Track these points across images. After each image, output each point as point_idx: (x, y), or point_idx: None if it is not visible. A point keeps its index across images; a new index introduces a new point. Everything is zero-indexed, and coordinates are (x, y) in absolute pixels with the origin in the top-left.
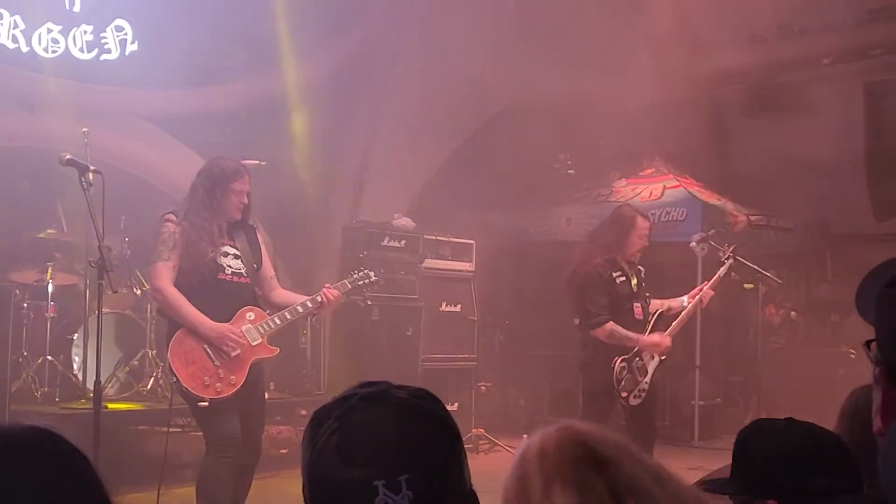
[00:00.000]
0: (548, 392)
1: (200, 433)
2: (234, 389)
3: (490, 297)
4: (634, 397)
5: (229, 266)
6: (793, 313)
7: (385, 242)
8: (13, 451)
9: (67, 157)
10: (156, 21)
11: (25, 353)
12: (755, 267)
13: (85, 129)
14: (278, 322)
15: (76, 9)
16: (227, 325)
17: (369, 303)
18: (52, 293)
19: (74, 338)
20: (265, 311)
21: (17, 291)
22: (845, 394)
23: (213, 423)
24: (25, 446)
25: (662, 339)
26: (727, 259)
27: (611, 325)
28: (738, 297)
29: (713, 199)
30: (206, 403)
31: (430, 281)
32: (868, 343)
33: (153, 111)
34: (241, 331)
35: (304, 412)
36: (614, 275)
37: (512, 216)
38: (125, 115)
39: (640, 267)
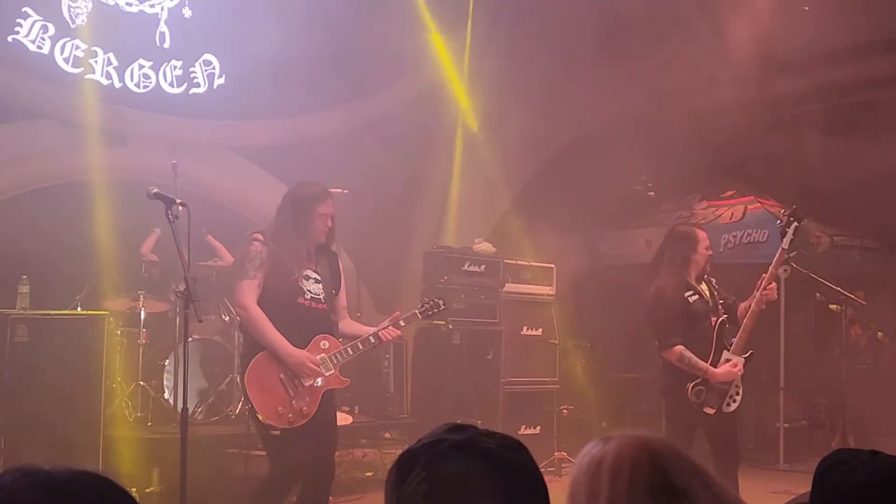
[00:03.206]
0: (630, 415)
1: None
2: (306, 419)
3: (571, 320)
4: (727, 405)
5: (310, 291)
6: (879, 334)
7: (466, 267)
8: (67, 496)
9: (154, 190)
10: (242, 56)
11: (119, 379)
12: (838, 288)
13: (174, 162)
14: (351, 353)
15: (166, 45)
16: (306, 352)
17: (451, 327)
18: (144, 320)
19: (166, 364)
20: (339, 339)
21: (111, 319)
22: None
23: (282, 452)
24: (78, 492)
25: (732, 368)
26: (790, 224)
27: (680, 348)
28: (824, 319)
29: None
30: (278, 432)
31: (511, 305)
32: None
33: (240, 142)
34: (317, 360)
35: (388, 435)
36: (686, 295)
37: (592, 239)
38: (213, 146)
39: (711, 279)
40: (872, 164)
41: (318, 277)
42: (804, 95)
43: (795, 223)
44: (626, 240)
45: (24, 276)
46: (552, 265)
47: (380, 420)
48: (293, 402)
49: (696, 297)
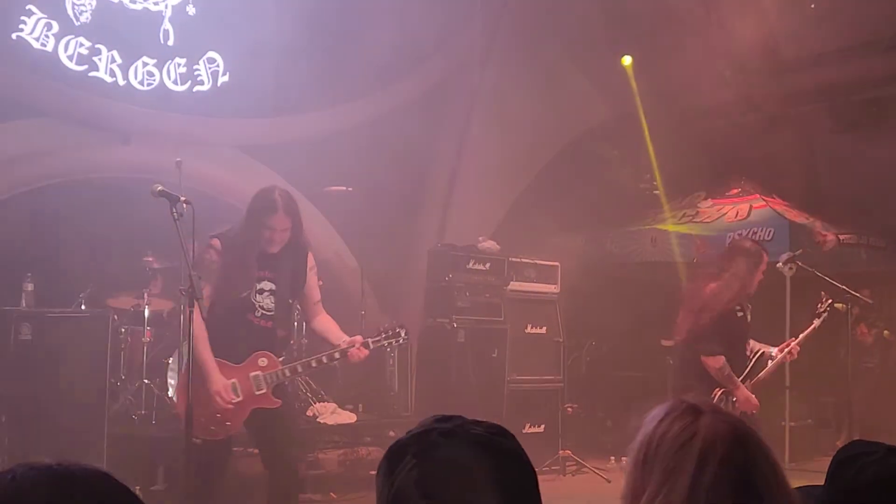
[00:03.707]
0: (635, 414)
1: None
2: (227, 434)
3: (576, 318)
4: None
5: (261, 307)
6: (885, 332)
7: (470, 265)
8: (74, 491)
9: (159, 188)
10: (246, 53)
11: (123, 377)
12: (844, 287)
13: (178, 160)
14: (288, 374)
15: (170, 42)
16: (223, 383)
17: (455, 325)
18: (148, 318)
19: (170, 362)
20: (280, 356)
21: (115, 317)
22: None
23: (199, 460)
24: (85, 488)
25: (752, 397)
26: (824, 311)
27: (723, 359)
28: (829, 317)
29: (801, 219)
30: (199, 441)
31: (516, 303)
32: None
33: (244, 140)
34: (228, 396)
35: (392, 433)
36: (736, 309)
37: (596, 237)
38: (217, 144)
39: (749, 304)
40: (879, 161)
41: (274, 288)
42: (810, 93)
43: (827, 314)
44: (631, 238)
45: (29, 274)
46: (557, 263)
47: (384, 418)
48: (217, 414)
49: (742, 314)
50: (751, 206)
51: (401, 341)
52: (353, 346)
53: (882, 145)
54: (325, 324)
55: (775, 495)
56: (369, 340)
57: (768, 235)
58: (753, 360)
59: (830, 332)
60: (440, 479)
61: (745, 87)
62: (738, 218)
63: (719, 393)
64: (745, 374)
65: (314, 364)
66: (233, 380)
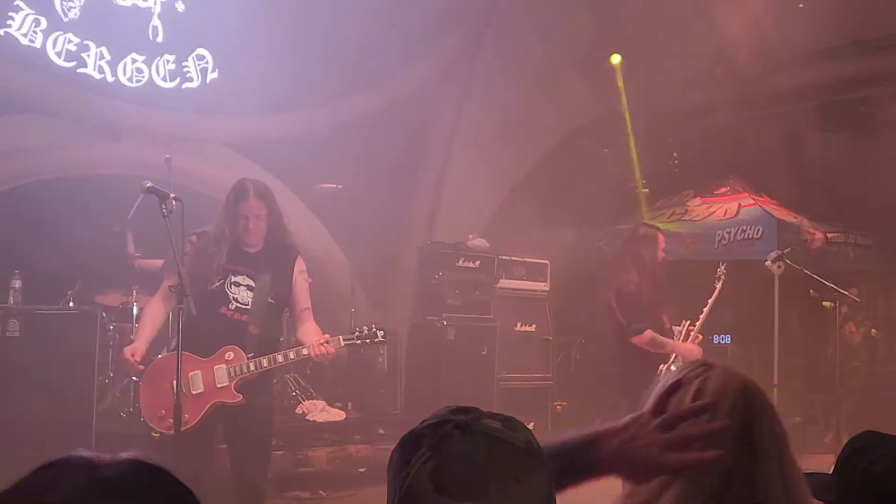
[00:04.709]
0: (624, 411)
1: (280, 452)
2: (186, 427)
3: (565, 316)
4: None
5: (235, 300)
6: (873, 331)
7: (460, 263)
8: (120, 492)
9: (148, 185)
10: (235, 50)
11: (111, 374)
12: (832, 285)
13: (168, 157)
14: (253, 368)
15: (159, 39)
16: (135, 348)
17: (445, 323)
18: (136, 315)
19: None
20: (249, 353)
21: (104, 314)
22: None
23: (163, 455)
24: (133, 488)
25: (695, 347)
26: (721, 275)
27: (650, 331)
28: (817, 316)
29: (789, 217)
30: (157, 435)
31: (505, 301)
32: None
33: (233, 137)
34: (137, 358)
35: (381, 431)
36: (632, 289)
37: (586, 235)
38: (207, 141)
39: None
40: (867, 160)
41: (252, 284)
42: (799, 92)
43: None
44: (620, 236)
45: (17, 271)
46: (546, 261)
47: (373, 416)
48: (167, 408)
49: (636, 291)
50: (739, 205)
51: (377, 341)
52: (328, 341)
53: (870, 145)
54: (307, 331)
55: (772, 458)
56: (340, 337)
57: (757, 234)
58: (684, 330)
59: (819, 330)
60: (454, 473)
61: (734, 86)
62: (727, 216)
63: (664, 368)
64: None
65: (280, 359)
66: (195, 371)
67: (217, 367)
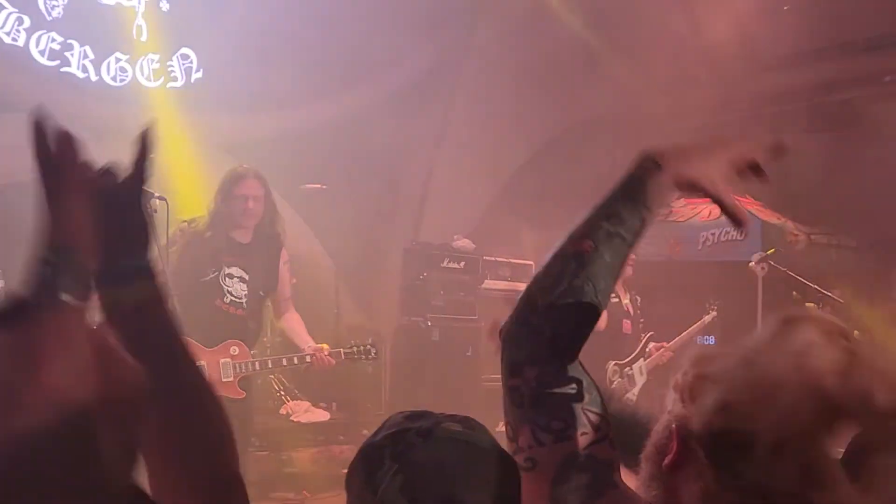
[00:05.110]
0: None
1: (264, 453)
2: None
3: None
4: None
5: (230, 293)
6: (855, 332)
7: (445, 264)
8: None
9: None
10: (219, 50)
11: None
12: (816, 287)
13: (151, 156)
14: (258, 367)
15: (144, 38)
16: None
17: (429, 324)
18: None
19: None
20: (252, 349)
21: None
22: None
23: None
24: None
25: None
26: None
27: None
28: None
29: (773, 219)
30: None
31: (491, 302)
32: None
33: (218, 136)
34: (219, 363)
35: (365, 432)
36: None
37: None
38: (191, 140)
39: (637, 297)
40: (851, 162)
41: (245, 276)
42: (785, 93)
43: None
44: None
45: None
46: (531, 262)
47: (357, 416)
48: None
49: (616, 300)
50: None
51: (370, 357)
52: (322, 352)
53: (856, 147)
54: (292, 323)
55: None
56: (341, 351)
57: (740, 235)
58: (645, 340)
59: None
60: (426, 483)
61: (718, 87)
62: (711, 217)
63: (613, 364)
64: (633, 356)
65: (284, 363)
66: (201, 362)
67: (223, 360)
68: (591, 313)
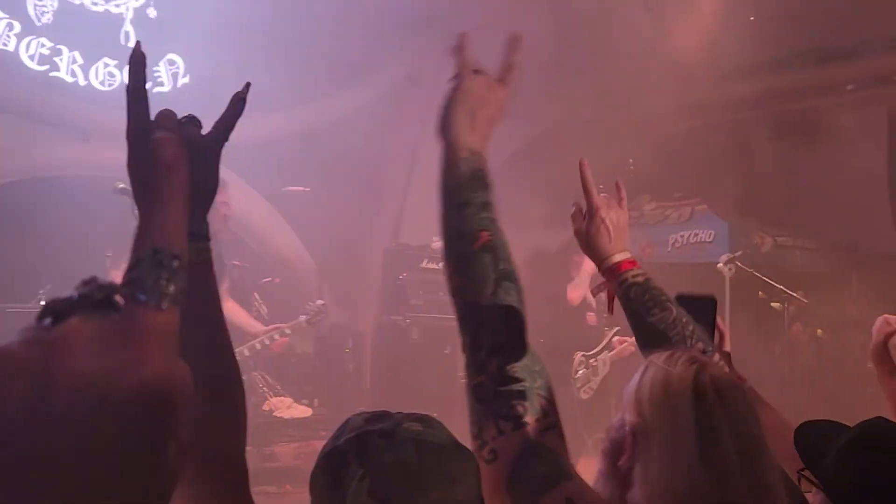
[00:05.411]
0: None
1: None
2: None
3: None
4: (584, 392)
5: None
6: (819, 331)
7: (424, 264)
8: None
9: (121, 185)
10: (205, 56)
11: None
12: (781, 287)
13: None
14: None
15: (130, 44)
16: None
17: (408, 322)
18: None
19: None
20: None
21: None
22: (873, 410)
23: None
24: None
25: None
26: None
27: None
28: (766, 316)
29: (740, 221)
30: None
31: None
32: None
33: None
34: None
35: None
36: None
37: (544, 237)
38: None
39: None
40: (814, 168)
41: None
42: (748, 101)
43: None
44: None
45: None
46: None
47: (339, 412)
48: None
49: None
50: (693, 209)
51: (319, 310)
52: (277, 332)
53: (818, 153)
54: (234, 310)
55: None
56: (302, 318)
57: (709, 237)
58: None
59: (766, 330)
60: (393, 485)
61: (686, 94)
62: (681, 220)
63: (580, 355)
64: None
65: (247, 353)
66: None
67: None
68: (521, 294)
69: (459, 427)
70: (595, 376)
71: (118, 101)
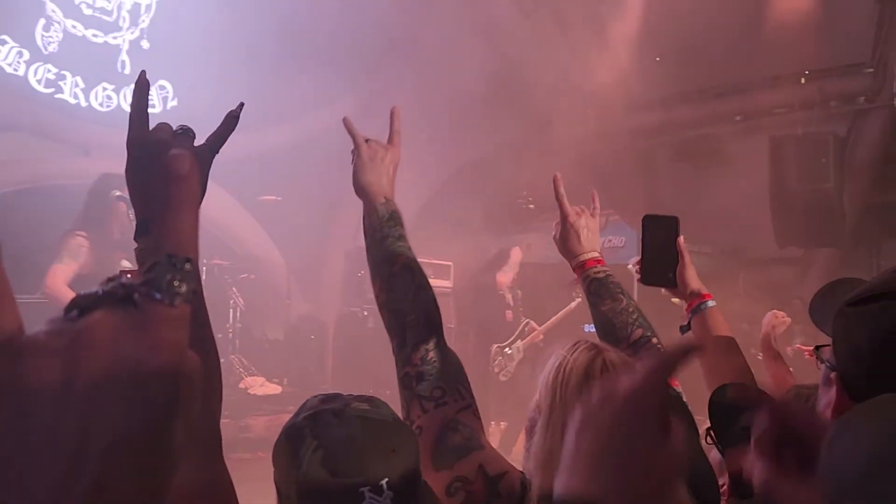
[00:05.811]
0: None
1: (226, 420)
2: None
3: (465, 310)
4: (503, 376)
5: None
6: None
7: None
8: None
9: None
10: (192, 82)
11: None
12: None
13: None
14: None
15: (127, 71)
16: None
17: (365, 313)
18: None
19: None
20: None
21: None
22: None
23: None
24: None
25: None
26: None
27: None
28: (666, 309)
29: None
30: None
31: None
32: (818, 347)
33: None
34: None
35: None
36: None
37: (482, 243)
38: None
39: (518, 291)
40: (707, 185)
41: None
42: (655, 129)
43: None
44: (512, 243)
45: None
46: (449, 263)
47: (305, 390)
48: None
49: (503, 293)
50: (608, 219)
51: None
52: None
53: (712, 174)
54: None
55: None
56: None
57: (621, 243)
58: (524, 326)
59: (667, 321)
60: (342, 456)
61: (601, 122)
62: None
63: (496, 347)
64: (512, 338)
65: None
66: None
67: None
68: (435, 300)
69: None
70: (511, 362)
71: (115, 121)
